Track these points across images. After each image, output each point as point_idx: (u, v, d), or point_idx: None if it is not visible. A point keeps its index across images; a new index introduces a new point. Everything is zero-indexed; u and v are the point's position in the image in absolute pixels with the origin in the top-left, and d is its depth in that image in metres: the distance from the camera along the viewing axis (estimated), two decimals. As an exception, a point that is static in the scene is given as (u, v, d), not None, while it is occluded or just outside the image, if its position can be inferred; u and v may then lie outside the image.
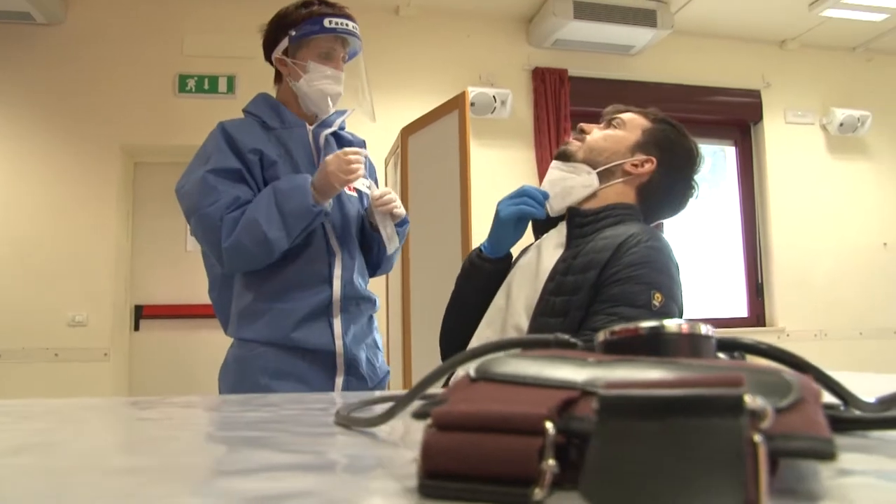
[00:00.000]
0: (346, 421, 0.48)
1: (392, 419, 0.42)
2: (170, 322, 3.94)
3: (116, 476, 0.34)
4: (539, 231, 1.45)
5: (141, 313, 3.92)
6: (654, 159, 1.35)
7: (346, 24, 1.68)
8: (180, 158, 3.81)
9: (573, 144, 1.41)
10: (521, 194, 1.37)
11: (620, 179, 1.35)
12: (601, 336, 0.40)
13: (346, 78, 1.74)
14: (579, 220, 1.33)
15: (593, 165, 1.36)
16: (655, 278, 1.20)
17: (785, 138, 4.65)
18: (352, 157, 1.57)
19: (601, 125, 1.44)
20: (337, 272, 1.65)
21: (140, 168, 4.04)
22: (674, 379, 0.26)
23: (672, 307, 1.20)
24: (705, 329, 0.39)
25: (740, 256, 4.65)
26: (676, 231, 4.50)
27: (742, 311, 4.61)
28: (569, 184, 1.37)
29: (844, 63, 4.79)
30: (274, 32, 1.72)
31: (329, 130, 1.74)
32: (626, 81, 4.34)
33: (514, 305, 1.30)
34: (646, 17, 4.01)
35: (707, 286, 4.56)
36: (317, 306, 1.61)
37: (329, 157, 1.58)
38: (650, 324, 0.39)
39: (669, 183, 1.38)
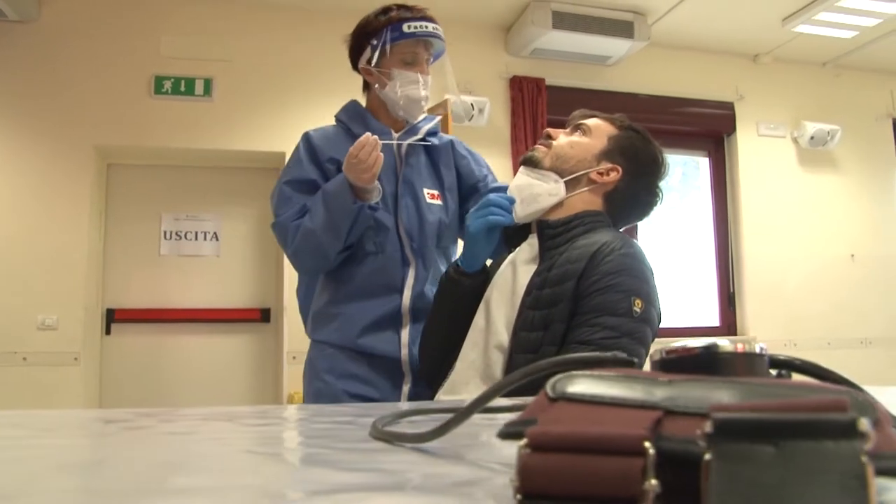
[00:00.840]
0: (389, 436, 0.48)
1: (443, 435, 0.42)
2: (142, 326, 3.89)
3: (185, 499, 0.33)
4: (509, 239, 1.45)
5: (113, 317, 3.85)
6: (619, 168, 1.37)
7: (427, 27, 1.66)
8: (155, 160, 3.96)
9: (540, 150, 1.42)
10: (487, 205, 1.38)
11: (587, 188, 1.37)
12: (657, 355, 0.40)
13: (434, 79, 1.73)
14: (550, 232, 1.33)
15: (560, 173, 1.37)
16: (634, 285, 1.21)
17: (757, 150, 4.71)
18: (361, 155, 1.51)
19: (568, 130, 1.44)
20: (409, 282, 1.64)
21: (114, 170, 3.97)
22: (783, 403, 0.26)
23: (651, 312, 1.22)
24: (759, 348, 0.40)
25: (713, 266, 4.70)
26: (651, 240, 4.52)
27: (714, 320, 4.66)
28: (535, 190, 1.37)
29: (815, 78, 4.87)
30: (357, 42, 1.72)
31: (415, 138, 1.72)
32: (603, 91, 4.36)
33: (494, 324, 1.31)
34: (623, 29, 4.04)
35: (680, 295, 4.58)
36: (385, 314, 1.62)
37: (343, 168, 1.56)
38: (706, 342, 0.39)
39: (634, 191, 1.39)
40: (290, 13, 3.84)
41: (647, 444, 0.27)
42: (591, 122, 1.43)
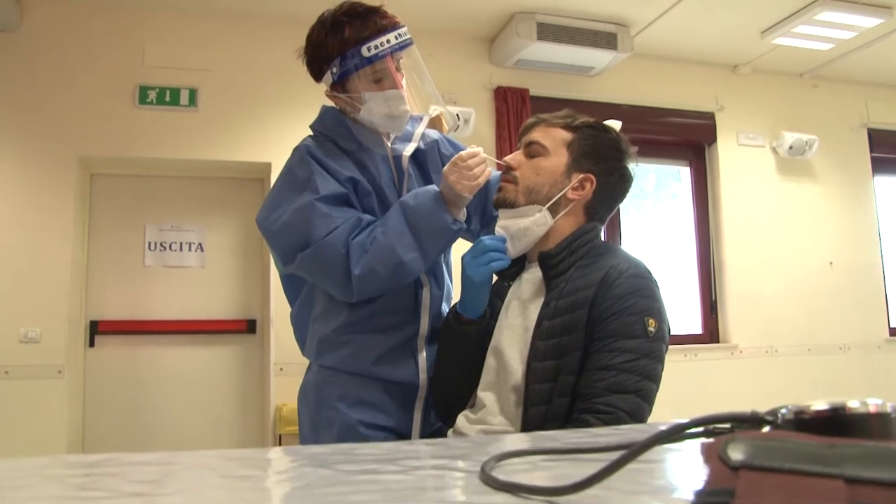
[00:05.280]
0: (514, 488, 0.44)
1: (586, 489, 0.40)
2: (126, 338, 3.83)
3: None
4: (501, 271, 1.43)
5: (96, 329, 3.79)
6: (591, 175, 1.37)
7: (388, 41, 1.47)
8: (139, 171, 3.92)
9: (508, 190, 1.39)
10: (484, 251, 1.35)
11: (567, 208, 1.36)
12: (790, 414, 0.40)
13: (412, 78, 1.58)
14: (552, 262, 1.33)
15: (538, 203, 1.36)
16: (645, 305, 1.23)
17: (737, 160, 4.74)
18: (470, 161, 1.41)
19: (522, 151, 1.42)
20: (425, 303, 1.54)
21: (97, 180, 3.92)
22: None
23: (664, 328, 1.25)
24: (892, 408, 0.40)
25: (695, 274, 4.71)
26: (634, 249, 4.48)
27: (697, 327, 4.67)
28: (522, 225, 1.36)
29: (793, 89, 4.92)
30: (314, 65, 1.55)
31: (410, 147, 1.58)
32: (586, 101, 4.35)
33: (509, 364, 1.30)
34: (607, 40, 4.05)
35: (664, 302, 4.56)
36: (402, 341, 1.53)
37: (446, 169, 1.43)
38: (835, 404, 0.39)
39: (610, 187, 1.40)
40: (273, 22, 3.81)
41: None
42: (539, 135, 1.40)
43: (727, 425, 0.43)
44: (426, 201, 1.42)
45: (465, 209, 1.50)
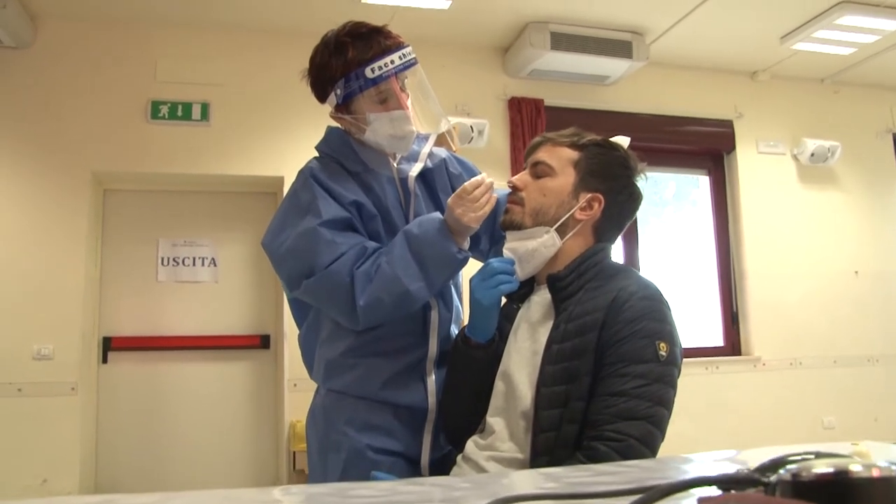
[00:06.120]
0: None
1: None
2: (140, 354, 3.84)
3: None
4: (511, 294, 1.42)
5: (110, 345, 3.80)
6: (599, 195, 1.35)
7: (392, 62, 1.46)
8: (152, 186, 3.93)
9: (515, 211, 1.38)
10: (493, 273, 1.34)
11: (575, 229, 1.35)
12: (787, 475, 0.38)
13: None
14: (560, 284, 1.32)
15: (546, 224, 1.35)
16: (656, 328, 1.21)
17: (757, 168, 4.68)
18: (476, 192, 1.39)
19: (528, 171, 1.41)
20: (433, 325, 1.52)
21: (110, 195, 3.93)
22: None
23: (676, 351, 1.22)
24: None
25: (715, 284, 4.66)
26: (653, 259, 4.49)
27: (718, 339, 4.61)
28: (530, 246, 1.35)
29: (814, 94, 4.85)
30: (319, 87, 1.54)
31: (417, 167, 1.57)
32: (602, 111, 4.35)
33: (518, 389, 1.29)
34: (622, 49, 4.03)
35: (683, 315, 4.48)
36: (410, 364, 1.51)
37: (451, 201, 1.41)
38: (837, 466, 0.36)
39: (619, 206, 1.39)
40: (284, 35, 3.82)
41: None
42: (545, 154, 1.38)
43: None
44: (430, 230, 1.41)
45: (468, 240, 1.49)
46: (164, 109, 3.78)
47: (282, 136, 3.82)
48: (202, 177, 3.85)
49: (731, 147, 4.67)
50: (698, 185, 4.87)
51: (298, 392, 3.59)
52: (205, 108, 3.83)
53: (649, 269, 4.44)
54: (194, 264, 3.96)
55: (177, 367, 3.85)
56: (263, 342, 3.96)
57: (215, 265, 3.99)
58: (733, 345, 4.58)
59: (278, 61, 3.81)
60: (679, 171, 4.76)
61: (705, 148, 4.70)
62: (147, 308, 3.88)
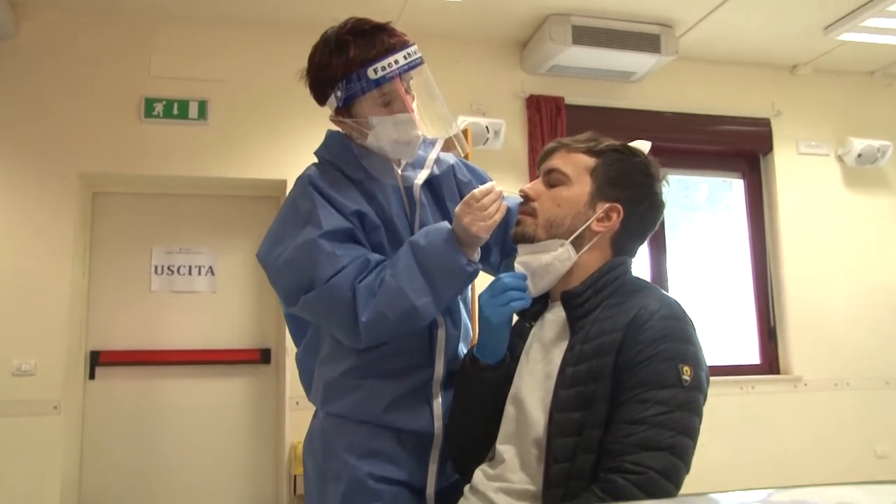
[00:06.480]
0: None
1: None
2: (130, 370, 3.73)
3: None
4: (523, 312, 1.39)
5: (97, 360, 3.68)
6: (617, 205, 1.31)
7: (397, 62, 1.43)
8: (145, 189, 3.88)
9: (527, 223, 1.35)
10: (503, 289, 1.30)
11: (592, 241, 1.32)
12: None
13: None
14: (576, 302, 1.28)
15: (560, 237, 1.31)
16: (679, 350, 1.17)
17: (797, 170, 4.48)
18: (484, 200, 1.35)
19: (541, 179, 1.38)
20: (440, 344, 1.48)
21: (100, 199, 3.82)
22: None
23: (701, 375, 1.18)
24: None
25: (750, 297, 4.47)
26: (682, 268, 4.35)
27: (754, 357, 4.42)
28: (544, 260, 1.31)
29: (862, 89, 4.63)
30: (318, 88, 1.51)
31: (422, 175, 1.53)
32: (627, 110, 4.23)
33: (530, 414, 1.25)
34: (649, 43, 3.88)
35: (715, 329, 4.36)
36: (415, 386, 1.47)
37: (459, 210, 1.37)
38: None
39: (639, 217, 1.35)
40: (288, 29, 3.69)
41: None
42: (559, 161, 1.35)
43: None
44: (438, 241, 1.38)
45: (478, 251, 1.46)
46: (159, 107, 3.67)
47: (285, 136, 3.71)
48: (199, 179, 3.74)
49: (769, 148, 4.49)
50: (731, 188, 4.70)
51: (301, 411, 3.45)
52: (203, 106, 3.72)
53: (678, 279, 4.30)
54: (190, 273, 3.86)
55: (170, 383, 3.74)
56: (264, 357, 3.86)
57: (213, 274, 3.89)
58: (771, 362, 4.38)
59: (283, 56, 3.61)
60: (710, 173, 4.62)
61: (739, 149, 4.53)
62: (139, 320, 3.77)
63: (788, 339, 4.32)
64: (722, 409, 3.84)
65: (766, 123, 4.47)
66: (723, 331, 4.42)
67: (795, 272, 4.36)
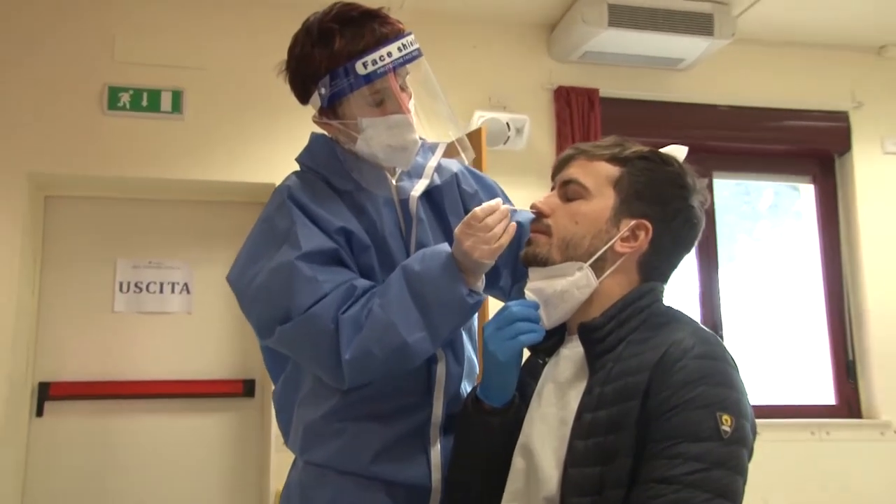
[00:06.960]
0: None
1: None
2: (87, 404, 3.49)
3: None
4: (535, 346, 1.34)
5: (46, 394, 3.45)
6: (646, 221, 1.23)
7: (390, 54, 1.37)
8: (108, 193, 3.69)
9: (540, 243, 1.28)
10: (511, 321, 1.24)
11: (615, 265, 1.24)
12: None
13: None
14: (596, 336, 1.20)
15: (578, 259, 1.24)
16: (718, 395, 1.08)
17: (882, 173, 4.10)
18: (488, 220, 1.30)
19: (556, 192, 1.32)
20: (440, 382, 1.42)
21: (53, 204, 3.63)
22: None
23: (745, 426, 1.08)
24: None
25: (823, 324, 4.10)
26: (738, 288, 4.09)
27: (828, 396, 4.03)
28: (559, 287, 1.24)
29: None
30: (298, 84, 1.45)
31: (420, 185, 1.47)
32: (673, 103, 3.98)
33: (541, 468, 1.17)
34: (699, 24, 3.61)
35: (779, 362, 4.05)
36: (409, 430, 1.41)
37: (460, 232, 1.32)
38: None
39: (672, 235, 1.27)
40: (279, 9, 3.44)
41: None
42: (577, 171, 1.29)
43: None
44: (434, 267, 1.32)
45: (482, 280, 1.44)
46: (125, 97, 3.46)
47: (274, 133, 3.52)
48: (172, 182, 3.56)
49: (846, 146, 4.13)
50: (800, 194, 4.39)
51: (287, 452, 3.11)
52: (177, 97, 3.51)
53: (733, 301, 4.05)
54: (162, 291, 3.68)
55: (135, 421, 3.53)
56: (247, 389, 3.64)
57: (188, 292, 3.69)
58: (850, 404, 3.98)
59: (272, 40, 3.46)
60: (775, 177, 4.30)
61: (809, 148, 4.22)
62: (99, 346, 3.55)
63: (872, 377, 3.96)
64: (788, 458, 3.56)
65: (843, 118, 4.15)
66: (789, 364, 4.14)
67: (879, 295, 4.01)
